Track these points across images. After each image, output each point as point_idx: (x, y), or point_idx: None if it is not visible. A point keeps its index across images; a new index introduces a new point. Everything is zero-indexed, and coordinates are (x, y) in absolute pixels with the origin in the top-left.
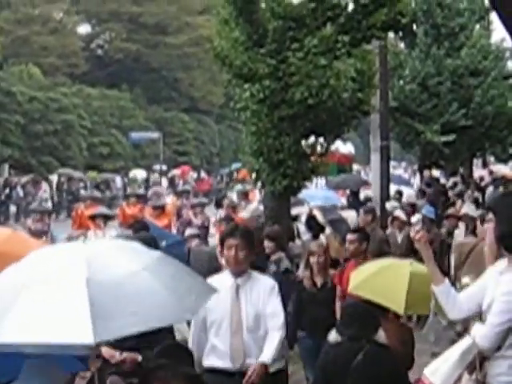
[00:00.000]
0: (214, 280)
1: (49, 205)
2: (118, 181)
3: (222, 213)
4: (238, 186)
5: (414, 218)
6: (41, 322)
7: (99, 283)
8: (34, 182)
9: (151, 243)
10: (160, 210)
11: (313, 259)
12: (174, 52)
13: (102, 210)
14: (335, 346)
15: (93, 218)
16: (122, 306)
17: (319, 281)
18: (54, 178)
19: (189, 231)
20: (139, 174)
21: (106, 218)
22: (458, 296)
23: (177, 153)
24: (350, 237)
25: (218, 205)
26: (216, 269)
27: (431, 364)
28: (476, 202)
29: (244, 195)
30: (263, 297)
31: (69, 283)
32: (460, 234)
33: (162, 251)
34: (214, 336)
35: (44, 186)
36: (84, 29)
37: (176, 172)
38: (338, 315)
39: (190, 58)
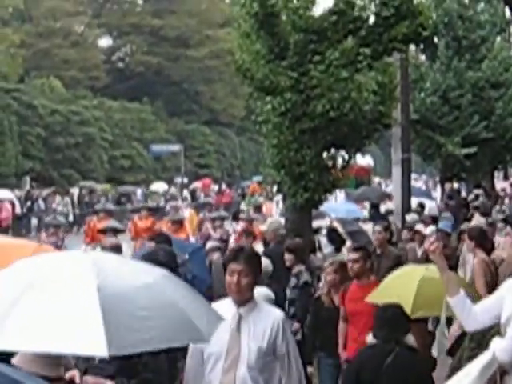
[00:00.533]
0: (215, 307)
1: (70, 218)
2: (139, 193)
3: (236, 226)
4: (252, 200)
5: (428, 230)
6: (47, 327)
7: (111, 291)
8: (55, 195)
9: (173, 257)
10: (178, 224)
11: (324, 277)
12: (195, 65)
13: (112, 223)
14: (368, 348)
15: (103, 231)
16: (137, 319)
17: (336, 298)
18: (75, 190)
19: (210, 244)
20: (160, 186)
21: (116, 232)
22: (473, 307)
23: (198, 165)
24: (352, 256)
25: (235, 218)
26: None
27: (452, 379)
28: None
29: (258, 208)
30: (270, 333)
31: (78, 287)
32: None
33: (186, 261)
34: (210, 371)
35: (58, 199)
36: (105, 42)
37: (197, 184)
38: (339, 338)
39: (211, 70)
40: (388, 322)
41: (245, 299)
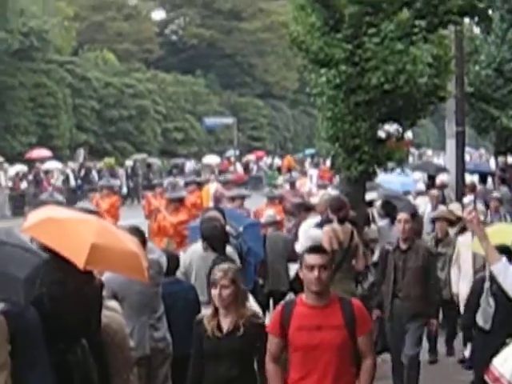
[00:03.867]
0: None
1: (124, 190)
2: (188, 166)
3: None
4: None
5: (466, 199)
6: None
7: None
8: (109, 167)
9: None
10: (177, 202)
11: None
12: (248, 38)
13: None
14: None
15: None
16: None
17: None
18: (129, 163)
19: (265, 218)
20: (212, 159)
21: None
22: None
23: (251, 138)
24: (312, 260)
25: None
26: (290, 253)
27: (500, 354)
28: None
29: (291, 184)
30: None
31: None
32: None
33: (241, 234)
34: None
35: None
36: (158, 14)
37: (250, 157)
38: None
39: (264, 43)
40: None
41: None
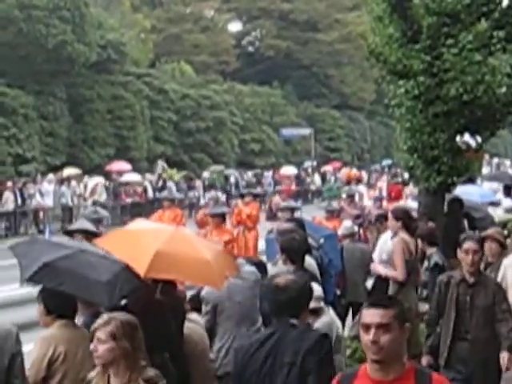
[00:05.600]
0: None
1: (201, 202)
2: (269, 177)
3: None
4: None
5: None
6: None
7: None
8: (186, 179)
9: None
10: (219, 218)
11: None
12: (325, 49)
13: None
14: None
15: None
16: None
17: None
18: (206, 174)
19: (341, 231)
20: (290, 170)
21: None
22: None
23: (328, 149)
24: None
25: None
26: (368, 264)
27: None
28: None
29: (350, 198)
30: None
31: None
32: None
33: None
34: None
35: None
36: (235, 26)
37: (327, 168)
38: None
39: (340, 54)
40: None
41: None
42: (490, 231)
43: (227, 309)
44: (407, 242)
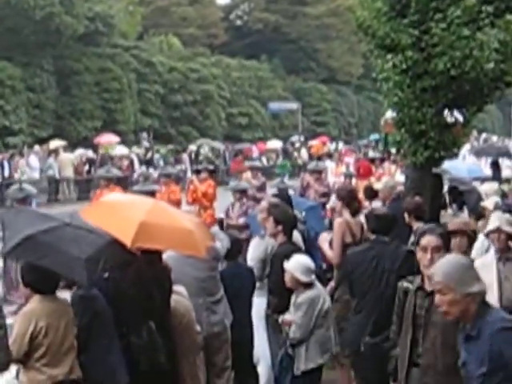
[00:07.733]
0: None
1: (188, 175)
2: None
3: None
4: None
5: None
6: None
7: None
8: (173, 153)
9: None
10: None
11: None
12: (313, 22)
13: None
14: None
15: None
16: None
17: None
18: (193, 148)
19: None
20: (276, 144)
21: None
22: None
23: (315, 123)
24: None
25: None
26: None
27: None
28: None
29: (317, 174)
30: None
31: None
32: None
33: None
34: None
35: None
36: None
37: (314, 142)
38: None
39: (328, 28)
40: None
41: None
42: (457, 223)
43: (180, 281)
44: (350, 223)
